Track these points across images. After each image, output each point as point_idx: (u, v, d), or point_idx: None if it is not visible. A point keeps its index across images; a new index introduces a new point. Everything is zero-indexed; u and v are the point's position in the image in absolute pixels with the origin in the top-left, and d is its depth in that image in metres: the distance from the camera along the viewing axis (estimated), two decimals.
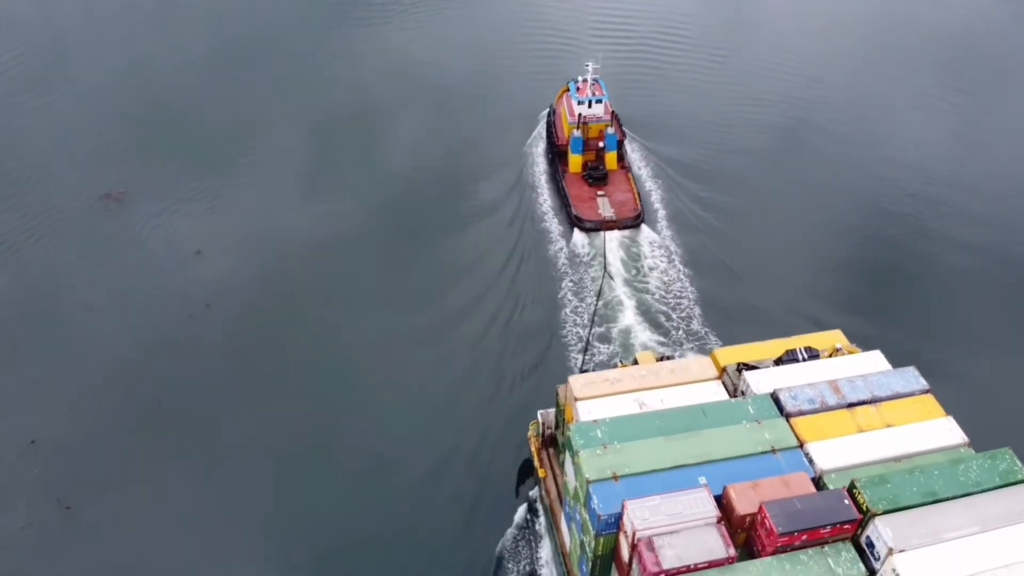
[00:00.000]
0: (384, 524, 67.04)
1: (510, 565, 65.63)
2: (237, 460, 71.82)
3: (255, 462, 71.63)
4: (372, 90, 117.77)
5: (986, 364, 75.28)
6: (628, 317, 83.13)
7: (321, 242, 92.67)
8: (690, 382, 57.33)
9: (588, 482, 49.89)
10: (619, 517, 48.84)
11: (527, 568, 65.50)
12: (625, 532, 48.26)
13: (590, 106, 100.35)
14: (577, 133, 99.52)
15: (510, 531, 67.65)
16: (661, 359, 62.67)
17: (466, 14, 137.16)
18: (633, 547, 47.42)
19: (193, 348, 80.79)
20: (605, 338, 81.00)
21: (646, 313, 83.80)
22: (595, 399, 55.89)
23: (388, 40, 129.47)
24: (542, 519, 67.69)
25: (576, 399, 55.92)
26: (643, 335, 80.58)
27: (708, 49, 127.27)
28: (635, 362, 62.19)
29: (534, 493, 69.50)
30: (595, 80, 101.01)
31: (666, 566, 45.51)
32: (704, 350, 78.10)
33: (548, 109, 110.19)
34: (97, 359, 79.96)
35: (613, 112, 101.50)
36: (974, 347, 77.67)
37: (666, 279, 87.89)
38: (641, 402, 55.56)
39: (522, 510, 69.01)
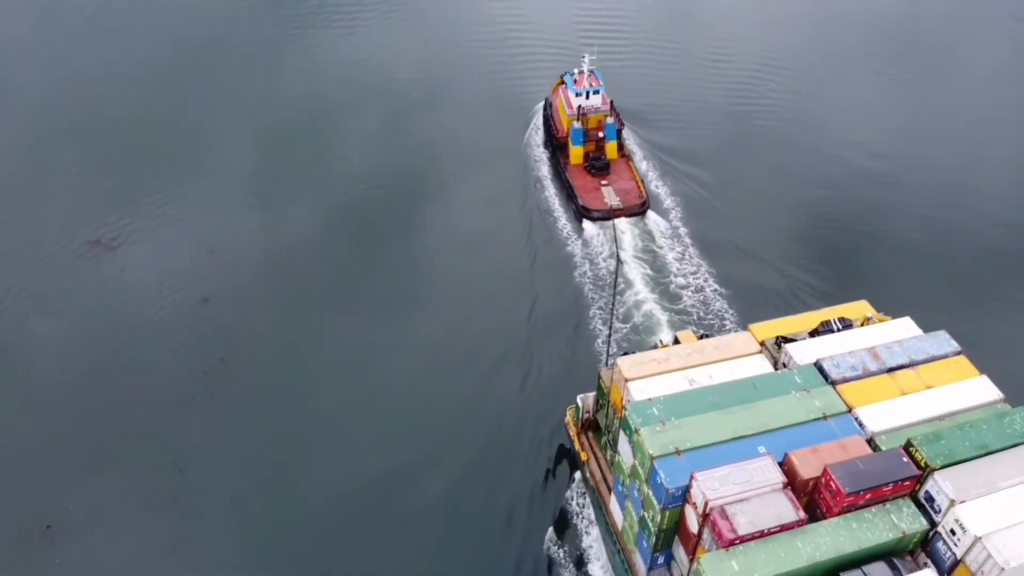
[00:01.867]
0: (430, 521, 67.51)
1: (560, 548, 66.68)
2: (276, 516, 67.83)
3: (294, 508, 68.23)
4: (354, 94, 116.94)
5: (1005, 325, 78.61)
6: (648, 302, 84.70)
7: (326, 252, 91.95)
8: (735, 357, 58.88)
9: (652, 458, 51.13)
10: (686, 490, 50.28)
11: (577, 549, 66.70)
12: (694, 503, 49.63)
13: (588, 97, 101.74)
14: (577, 125, 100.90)
15: (555, 516, 68.81)
16: (702, 337, 64.22)
17: (440, 14, 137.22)
18: (704, 516, 48.87)
19: (211, 406, 75.93)
20: (629, 324, 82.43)
21: (665, 296, 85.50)
22: (645, 379, 57.14)
23: (365, 42, 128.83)
24: (586, 501, 68.98)
25: (627, 380, 57.10)
26: (665, 318, 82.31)
27: (691, 38, 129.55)
28: (676, 341, 63.62)
29: (576, 476, 70.79)
30: (591, 71, 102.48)
31: (741, 532, 47.08)
32: (726, 328, 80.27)
33: (543, 103, 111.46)
34: (105, 426, 73.83)
35: (611, 102, 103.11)
36: (991, 310, 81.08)
37: (679, 262, 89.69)
38: (691, 379, 56.99)
39: (564, 494, 70.19)
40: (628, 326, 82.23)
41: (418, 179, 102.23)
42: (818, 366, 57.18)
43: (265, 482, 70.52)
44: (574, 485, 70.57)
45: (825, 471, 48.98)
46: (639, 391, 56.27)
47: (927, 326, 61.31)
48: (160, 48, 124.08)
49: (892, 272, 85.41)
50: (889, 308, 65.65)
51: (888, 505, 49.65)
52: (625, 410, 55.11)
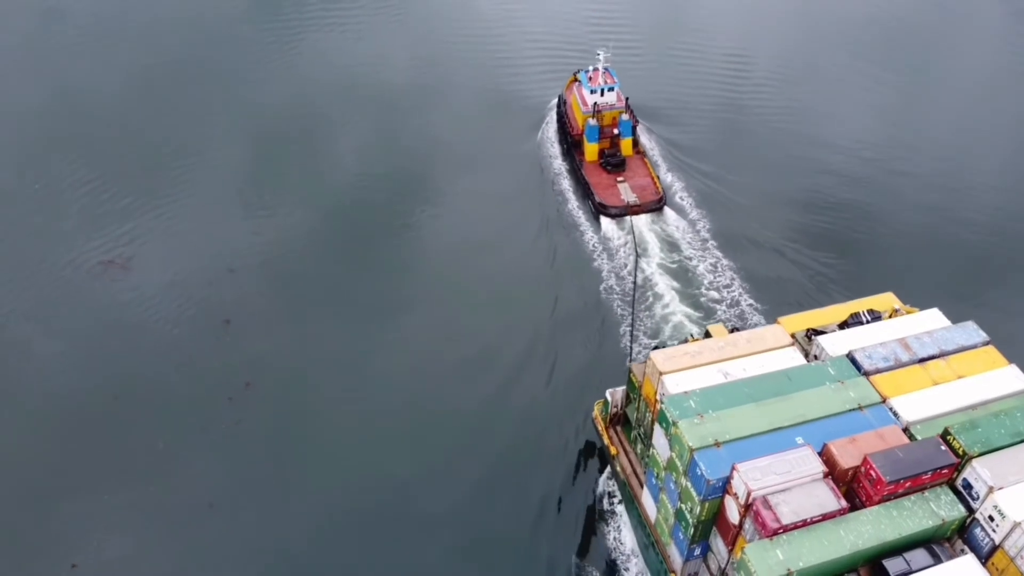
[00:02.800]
0: (460, 520, 67.70)
1: (591, 543, 67.24)
2: (307, 536, 67.00)
3: (326, 522, 67.61)
4: (363, 95, 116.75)
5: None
6: (669, 298, 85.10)
7: (344, 260, 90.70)
8: (767, 350, 59.38)
9: (691, 450, 51.69)
10: (726, 481, 50.87)
11: (608, 544, 67.18)
12: (735, 494, 50.17)
13: (603, 94, 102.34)
14: (592, 122, 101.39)
15: (585, 510, 69.30)
16: (733, 331, 64.64)
17: (450, 11, 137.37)
18: (747, 507, 49.43)
19: (238, 434, 73.83)
20: (651, 320, 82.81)
21: (686, 293, 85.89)
22: (680, 372, 57.59)
23: (372, 41, 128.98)
24: (616, 495, 69.51)
25: (661, 373, 57.55)
26: (689, 314, 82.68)
27: (704, 33, 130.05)
28: (707, 334, 64.06)
29: (604, 471, 71.32)
30: (606, 68, 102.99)
31: (785, 522, 47.62)
32: (753, 323, 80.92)
33: (556, 100, 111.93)
34: (128, 458, 71.27)
35: (626, 99, 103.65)
36: (1016, 300, 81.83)
37: (698, 258, 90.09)
38: (725, 372, 57.50)
39: (594, 489, 70.71)
40: (651, 325, 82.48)
41: (431, 180, 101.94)
42: (851, 357, 57.69)
43: (297, 508, 68.60)
44: (603, 480, 71.12)
45: (865, 460, 49.57)
46: (674, 384, 56.74)
47: (953, 317, 62.12)
48: (151, 57, 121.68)
49: (914, 264, 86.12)
50: (914, 300, 66.42)
51: (927, 493, 50.32)
52: (661, 403, 55.60)
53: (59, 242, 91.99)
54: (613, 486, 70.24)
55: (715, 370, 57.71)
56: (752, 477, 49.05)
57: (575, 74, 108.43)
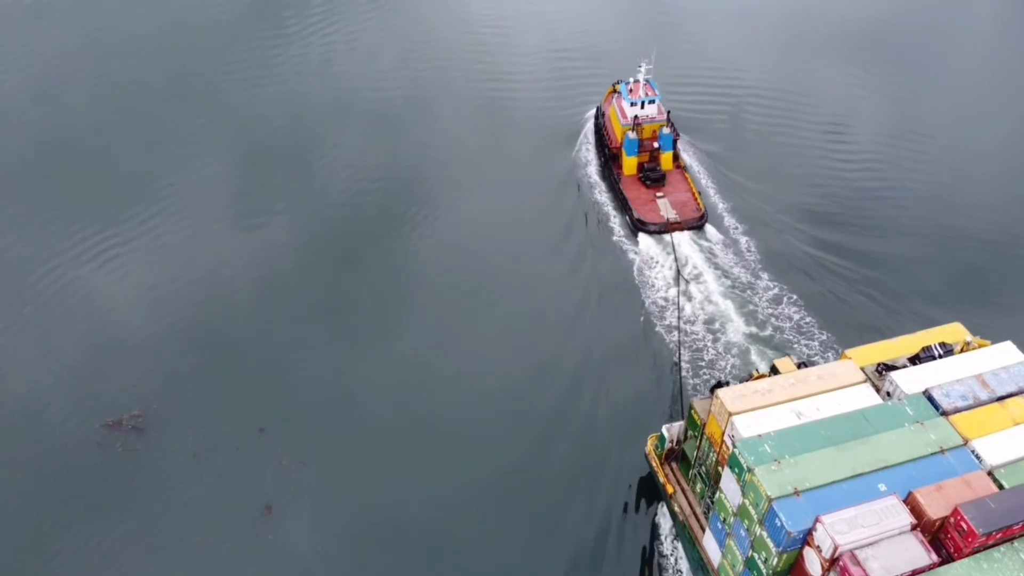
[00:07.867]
0: (518, 562, 65.79)
1: None
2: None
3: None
4: (405, 104, 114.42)
5: None
6: (718, 324, 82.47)
7: (390, 296, 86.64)
8: (840, 387, 57.30)
9: (770, 500, 49.66)
10: (807, 532, 48.89)
11: None
12: (818, 547, 48.16)
13: (643, 107, 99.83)
14: (632, 135, 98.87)
15: (641, 550, 67.16)
16: (800, 365, 62.37)
17: (489, 19, 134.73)
18: (831, 562, 47.43)
19: None
20: (700, 347, 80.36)
21: (735, 318, 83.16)
22: (751, 412, 55.55)
23: (417, 47, 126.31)
24: (672, 534, 67.31)
25: (731, 414, 55.51)
26: (740, 342, 80.00)
27: (747, 46, 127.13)
28: (774, 369, 61.86)
29: (658, 508, 69.17)
30: (647, 80, 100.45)
31: None
32: (802, 349, 78.84)
33: (595, 111, 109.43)
34: None
35: (668, 112, 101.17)
36: None
37: (745, 280, 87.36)
38: (798, 412, 55.45)
39: (649, 527, 68.49)
40: (703, 350, 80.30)
41: (467, 194, 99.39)
42: (928, 396, 55.72)
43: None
44: (658, 518, 68.83)
45: (956, 511, 47.60)
46: (746, 426, 54.70)
47: None
48: (136, 75, 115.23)
49: (977, 291, 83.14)
50: (977, 327, 64.22)
51: (1016, 543, 48.34)
52: (734, 448, 53.48)
53: (52, 399, 74.67)
54: (669, 524, 68.03)
55: (787, 410, 55.63)
56: (838, 531, 47.07)
57: (614, 85, 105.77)
